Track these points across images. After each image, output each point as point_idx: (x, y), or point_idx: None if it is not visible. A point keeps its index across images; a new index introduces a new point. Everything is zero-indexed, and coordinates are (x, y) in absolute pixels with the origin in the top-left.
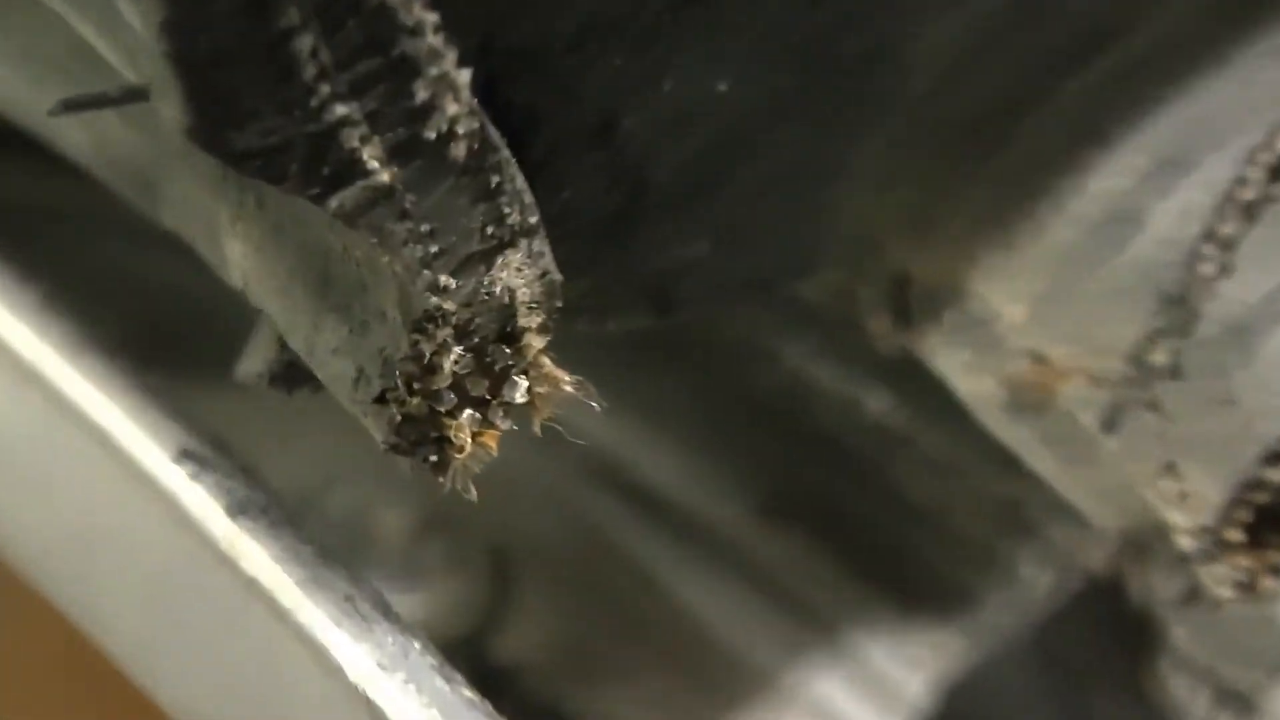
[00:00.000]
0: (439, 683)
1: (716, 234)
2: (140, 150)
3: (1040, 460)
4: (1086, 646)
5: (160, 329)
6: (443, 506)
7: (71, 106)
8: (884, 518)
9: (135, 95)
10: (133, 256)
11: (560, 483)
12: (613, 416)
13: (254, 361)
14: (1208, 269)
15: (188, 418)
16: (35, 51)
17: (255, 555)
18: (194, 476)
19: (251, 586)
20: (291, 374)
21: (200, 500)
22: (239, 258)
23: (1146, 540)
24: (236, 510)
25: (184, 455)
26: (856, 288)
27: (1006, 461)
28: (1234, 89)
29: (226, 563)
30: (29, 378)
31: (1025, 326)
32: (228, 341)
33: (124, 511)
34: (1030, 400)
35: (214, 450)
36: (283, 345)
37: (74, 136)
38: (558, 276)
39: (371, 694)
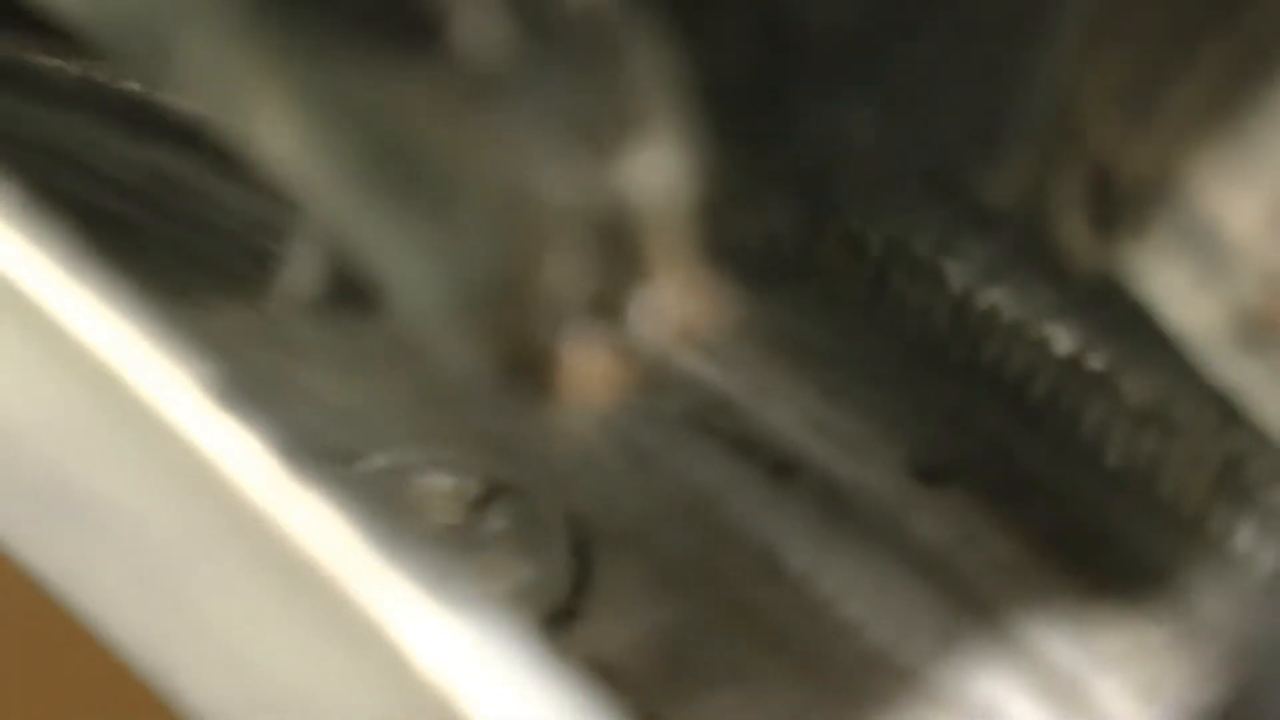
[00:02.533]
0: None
1: (887, 107)
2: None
3: (1271, 403)
4: None
5: (160, 240)
6: (513, 471)
7: None
8: (1071, 481)
9: None
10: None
11: (653, 433)
12: (723, 350)
13: (299, 276)
14: None
15: (211, 344)
16: None
17: (293, 516)
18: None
19: (292, 559)
20: (349, 294)
21: (234, 446)
22: (282, 144)
23: None
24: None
25: (218, 399)
26: (1048, 184)
27: (1227, 414)
28: None
29: (259, 525)
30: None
31: (1263, 238)
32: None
33: (127, 467)
34: (1262, 330)
35: (247, 398)
36: (335, 255)
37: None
38: (691, 160)
39: (455, 696)
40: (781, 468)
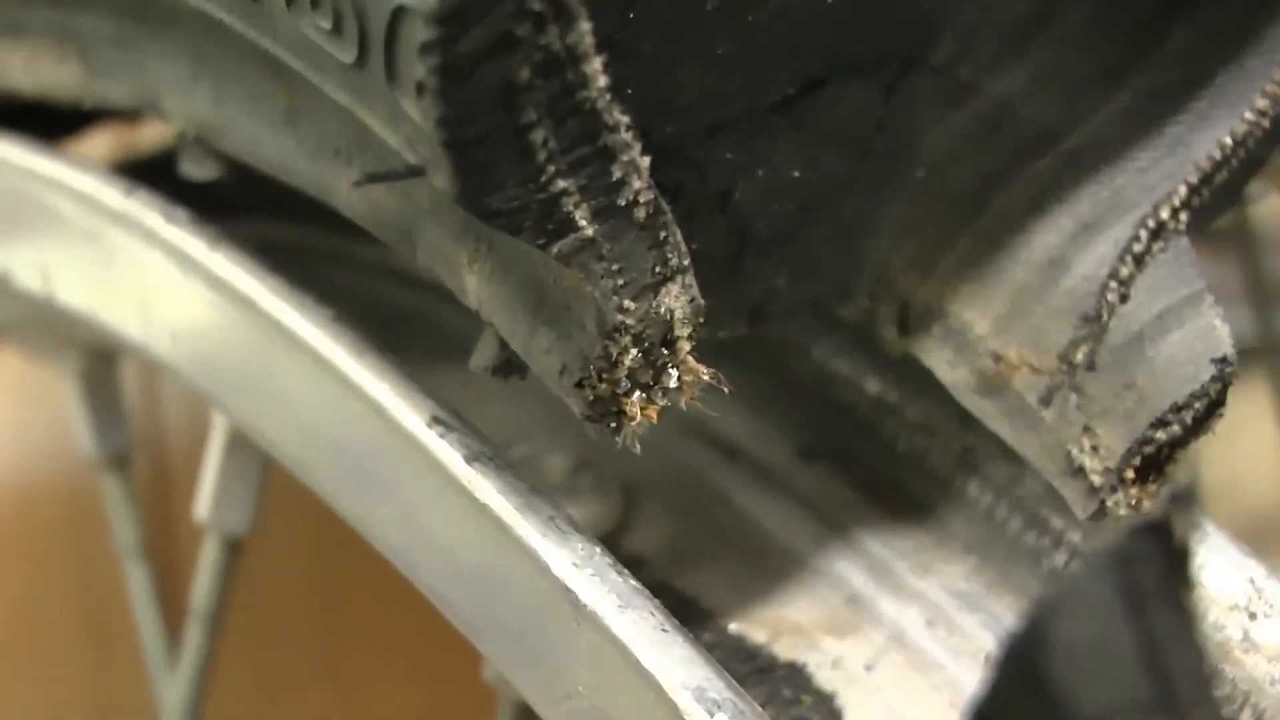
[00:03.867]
0: (615, 576)
1: (793, 271)
2: (402, 210)
3: (999, 426)
4: None
5: (399, 333)
6: (589, 454)
7: (371, 179)
8: (879, 459)
9: (415, 172)
10: (376, 286)
11: (666, 437)
12: (706, 391)
13: (482, 356)
14: (1112, 297)
15: (435, 396)
16: (322, 136)
17: (485, 489)
18: (442, 435)
19: (484, 511)
20: (509, 366)
21: (447, 452)
22: (474, 287)
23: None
24: (471, 459)
25: (435, 421)
26: (875, 309)
27: (965, 421)
28: (1134, 175)
29: (465, 494)
30: (328, 370)
31: (989, 336)
32: (444, 341)
33: (393, 461)
34: (992, 385)
35: (454, 418)
36: (503, 346)
37: (353, 201)
38: (702, 301)
39: (570, 584)
40: (731, 451)
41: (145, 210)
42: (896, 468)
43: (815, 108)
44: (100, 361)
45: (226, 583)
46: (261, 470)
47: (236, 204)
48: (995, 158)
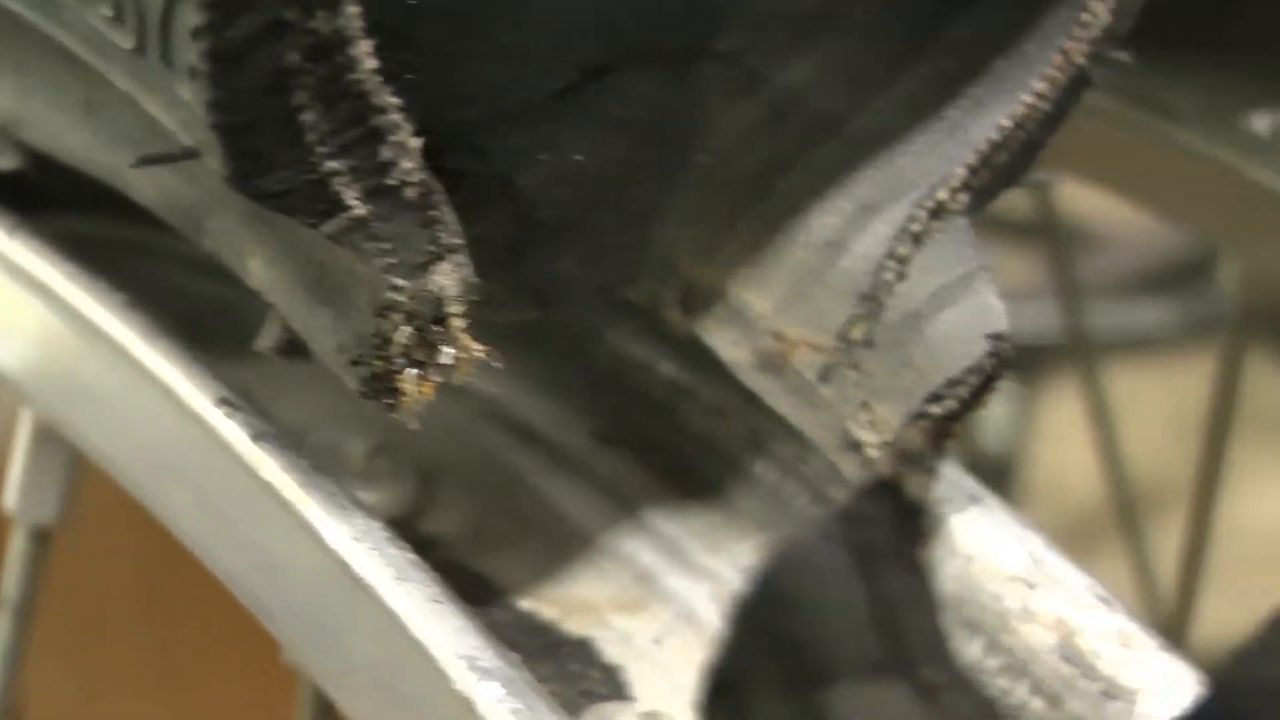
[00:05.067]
0: (393, 550)
1: (577, 256)
2: (192, 197)
3: (780, 404)
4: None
5: (200, 323)
6: (387, 439)
7: (146, 162)
8: (673, 442)
9: (190, 154)
10: (180, 276)
11: (465, 422)
12: (499, 373)
13: (267, 338)
14: (889, 276)
15: (224, 379)
16: (116, 126)
17: (269, 466)
18: (229, 415)
19: (268, 489)
20: (292, 347)
21: (233, 431)
22: (258, 270)
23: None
24: (257, 437)
25: (222, 401)
26: (661, 292)
27: (753, 403)
28: (913, 159)
29: (250, 473)
30: (120, 355)
31: (770, 316)
32: (246, 331)
33: (184, 443)
34: (773, 364)
35: (242, 400)
36: (286, 327)
37: (144, 188)
38: (474, 280)
39: (348, 558)
40: (528, 436)
41: None
42: (689, 449)
43: (598, 95)
44: None
45: (35, 574)
46: (71, 459)
47: (47, 198)
48: (780, 145)
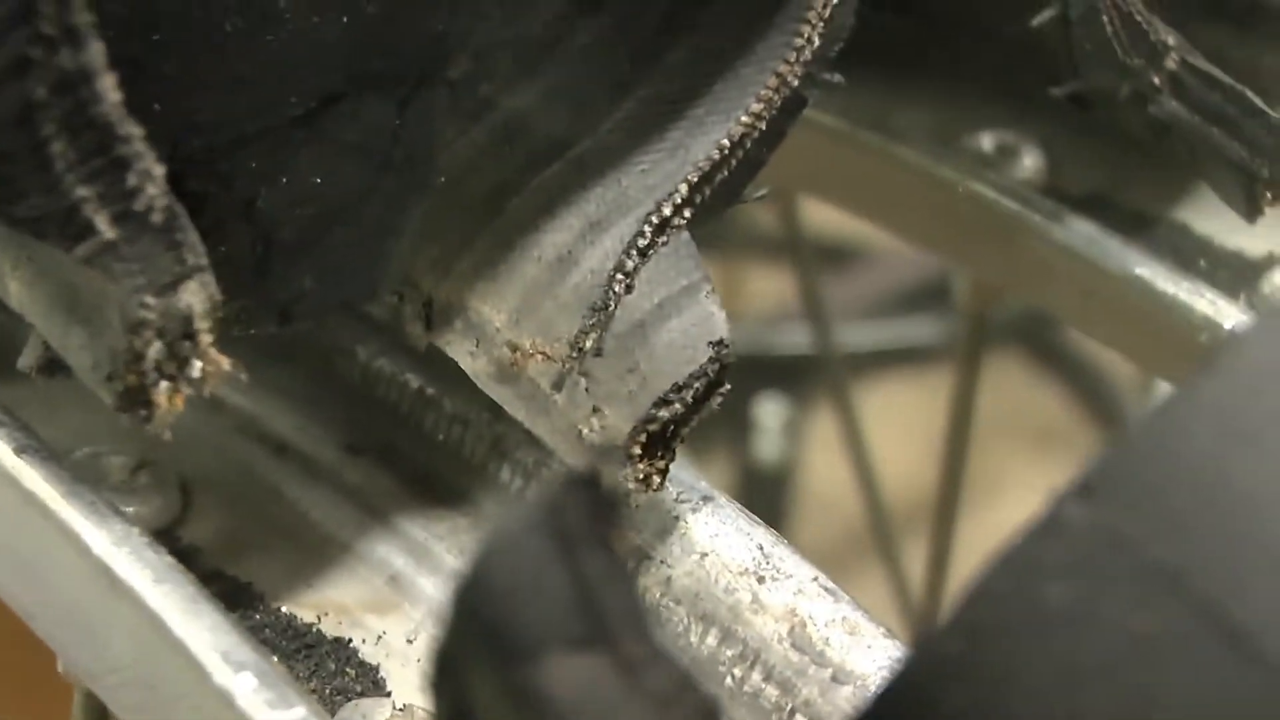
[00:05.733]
0: (151, 554)
1: (318, 273)
2: None
3: (518, 411)
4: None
5: None
6: (149, 454)
7: None
8: (421, 451)
9: None
10: None
11: (222, 436)
12: (255, 389)
13: (28, 357)
14: (618, 289)
15: None
16: None
17: (31, 477)
18: None
19: (31, 499)
20: (52, 365)
21: None
22: (17, 292)
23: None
24: (20, 451)
25: None
26: (402, 307)
27: (496, 412)
28: (638, 177)
29: (14, 484)
30: None
31: (505, 328)
32: (12, 353)
33: None
34: (509, 373)
35: (5, 415)
36: (46, 346)
37: None
38: (219, 298)
39: (109, 562)
40: (282, 448)
41: None
42: (435, 458)
43: (334, 121)
44: None
45: None
46: None
47: None
48: (509, 167)
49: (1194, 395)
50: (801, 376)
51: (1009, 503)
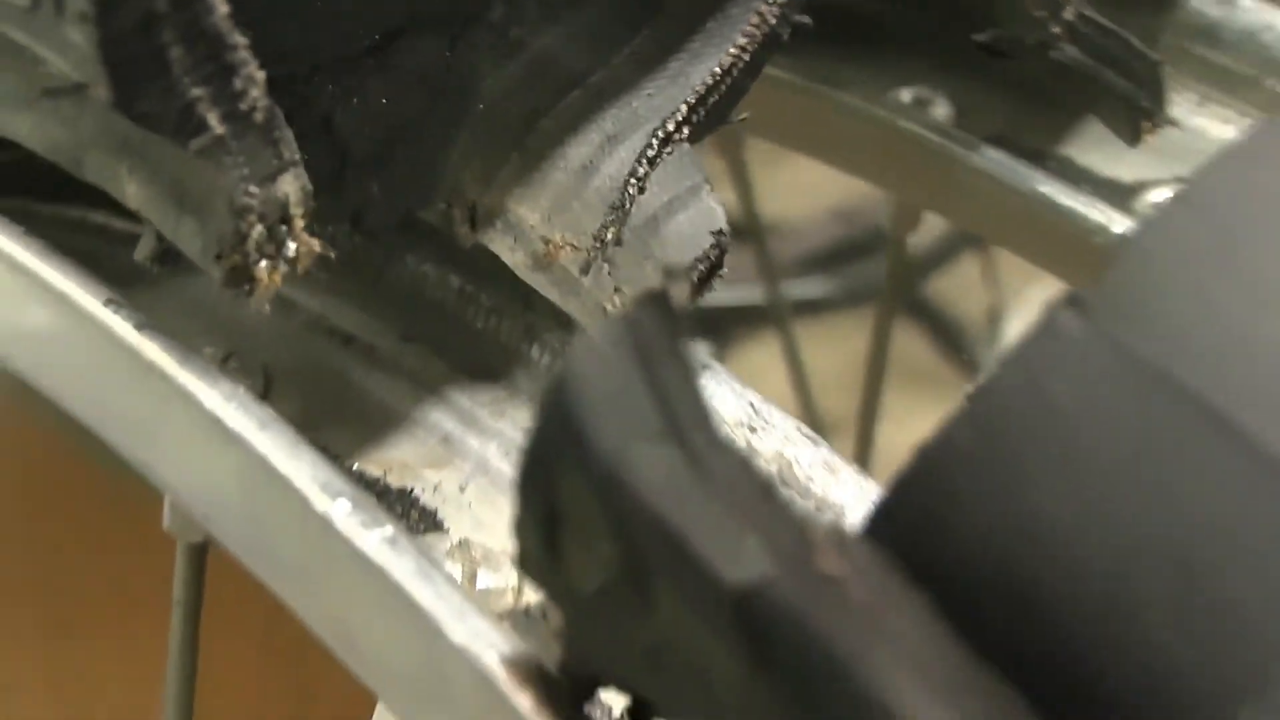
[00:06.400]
0: (255, 407)
1: (383, 183)
2: (70, 138)
3: (551, 294)
4: None
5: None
6: (235, 346)
7: (49, 93)
8: (464, 338)
9: (80, 87)
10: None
11: (296, 331)
12: (322, 294)
13: (143, 249)
14: (633, 190)
15: (109, 284)
16: (7, 89)
17: (151, 349)
18: (115, 311)
19: (151, 368)
20: (165, 255)
21: (120, 324)
22: (133, 191)
23: None
24: (140, 327)
25: (109, 301)
26: (451, 212)
27: (526, 303)
28: (645, 100)
29: (135, 355)
30: (18, 270)
31: (539, 225)
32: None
33: (80, 340)
34: (544, 263)
35: (125, 299)
36: (159, 238)
37: (33, 137)
38: (310, 188)
39: (220, 415)
40: (347, 341)
41: None
42: (477, 343)
43: (396, 54)
44: None
45: None
46: None
47: None
48: (538, 95)
49: (1171, 219)
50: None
51: (889, 432)
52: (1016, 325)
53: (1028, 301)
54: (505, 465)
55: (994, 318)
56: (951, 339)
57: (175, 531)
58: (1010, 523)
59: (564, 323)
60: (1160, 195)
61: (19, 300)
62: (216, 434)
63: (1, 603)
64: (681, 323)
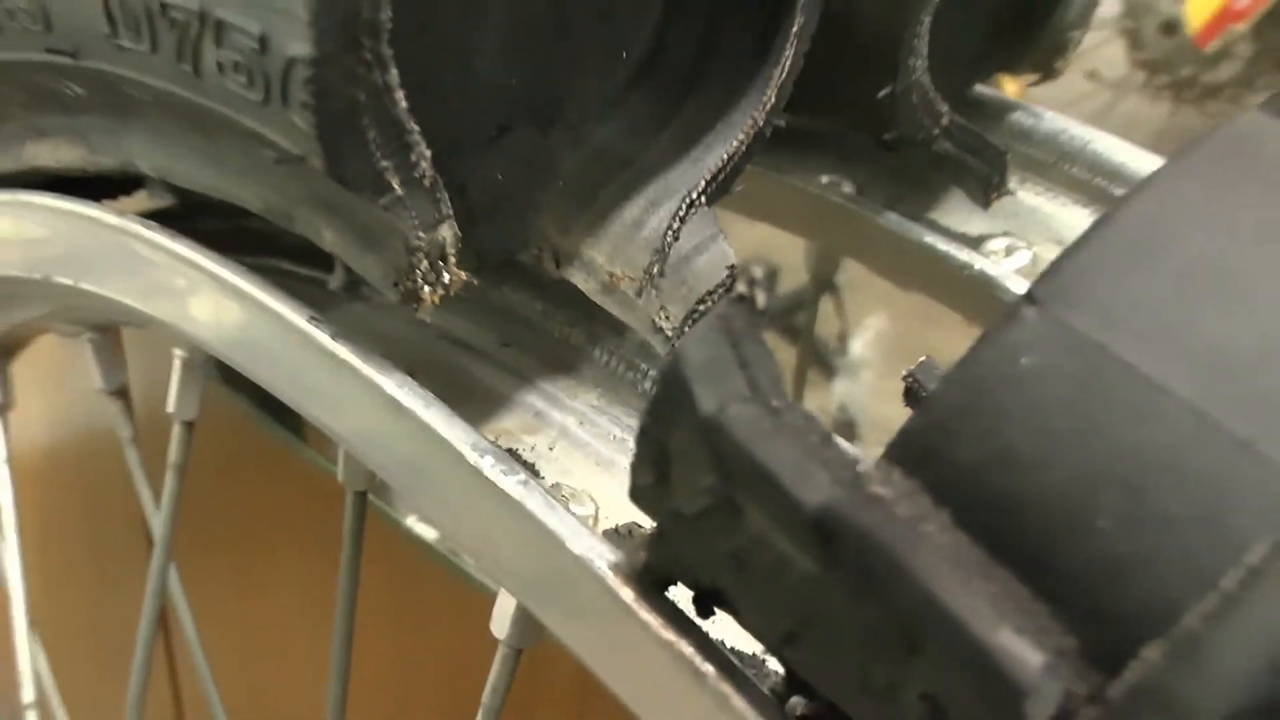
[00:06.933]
0: (420, 390)
1: (497, 233)
2: (283, 201)
3: (615, 311)
4: None
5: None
6: (387, 352)
7: (279, 161)
8: (549, 343)
9: (299, 158)
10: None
11: (428, 340)
12: (445, 313)
13: (336, 280)
14: (670, 239)
15: (309, 305)
16: (234, 164)
17: (344, 351)
18: (316, 325)
19: (344, 365)
20: (351, 285)
21: (319, 334)
22: (331, 237)
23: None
24: (335, 336)
25: (311, 319)
26: (541, 254)
27: (590, 319)
28: (677, 175)
29: (332, 356)
30: (243, 297)
31: (604, 263)
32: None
33: (290, 347)
34: (609, 288)
35: (323, 316)
36: (347, 271)
37: (253, 201)
38: (460, 234)
39: (397, 396)
40: (458, 342)
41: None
42: (556, 346)
43: (506, 142)
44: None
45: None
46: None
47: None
48: (599, 173)
49: (1098, 231)
50: None
51: None
52: (859, 344)
53: (865, 328)
54: (581, 432)
55: (842, 337)
56: (815, 352)
57: (346, 481)
58: (992, 457)
59: (619, 331)
60: (997, 244)
61: (244, 317)
62: (392, 410)
63: (201, 557)
64: (758, 316)
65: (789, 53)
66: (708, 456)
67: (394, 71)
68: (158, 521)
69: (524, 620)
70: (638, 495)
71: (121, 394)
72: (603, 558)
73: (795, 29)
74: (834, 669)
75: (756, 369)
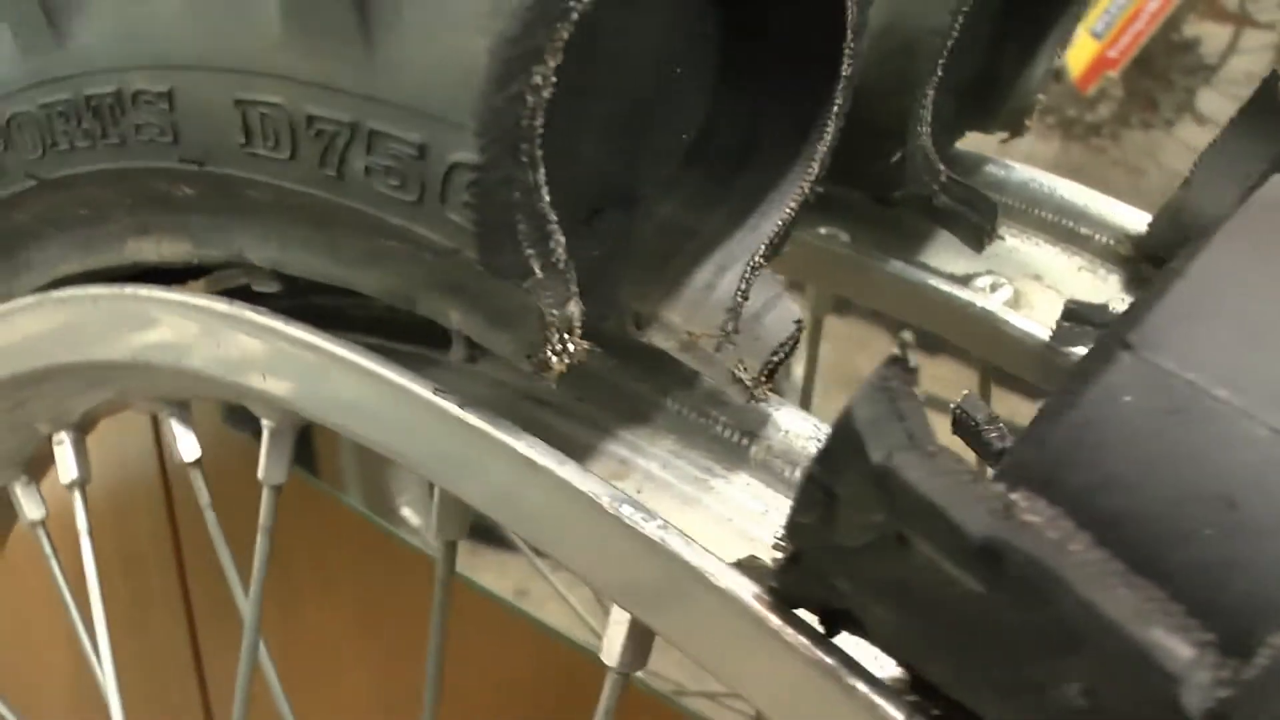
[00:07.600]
0: (531, 437)
1: (594, 303)
2: (403, 286)
3: (695, 365)
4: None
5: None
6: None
7: (435, 257)
8: (624, 397)
9: (454, 251)
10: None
11: (512, 399)
12: (527, 375)
13: (457, 354)
14: (740, 299)
15: (431, 379)
16: (352, 255)
17: (473, 418)
18: (442, 397)
19: (475, 430)
20: (471, 357)
21: (447, 404)
22: (457, 317)
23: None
24: (462, 405)
25: (436, 390)
26: (624, 319)
27: (662, 376)
28: (737, 243)
29: (461, 422)
30: (372, 377)
31: (683, 324)
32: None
33: (415, 414)
34: (689, 346)
35: (446, 388)
36: (469, 346)
37: (372, 286)
38: (583, 309)
39: (519, 448)
40: (546, 402)
41: (247, 309)
42: (633, 399)
43: (598, 221)
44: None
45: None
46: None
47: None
48: (668, 244)
49: (1180, 287)
50: None
51: None
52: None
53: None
54: (664, 474)
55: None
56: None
57: (439, 532)
58: (1107, 482)
59: (688, 383)
60: (982, 281)
61: (369, 392)
62: (527, 468)
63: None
64: (911, 375)
65: (831, 129)
66: (879, 497)
67: (543, 170)
68: (244, 579)
69: (633, 648)
70: (797, 531)
71: (198, 464)
72: (746, 589)
73: (835, 109)
74: (977, 674)
75: (913, 421)
